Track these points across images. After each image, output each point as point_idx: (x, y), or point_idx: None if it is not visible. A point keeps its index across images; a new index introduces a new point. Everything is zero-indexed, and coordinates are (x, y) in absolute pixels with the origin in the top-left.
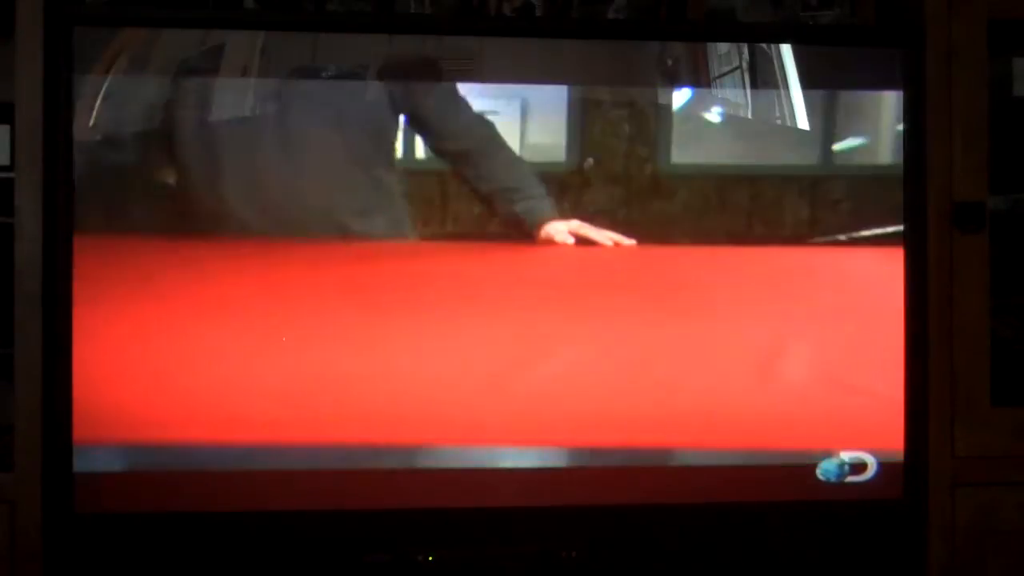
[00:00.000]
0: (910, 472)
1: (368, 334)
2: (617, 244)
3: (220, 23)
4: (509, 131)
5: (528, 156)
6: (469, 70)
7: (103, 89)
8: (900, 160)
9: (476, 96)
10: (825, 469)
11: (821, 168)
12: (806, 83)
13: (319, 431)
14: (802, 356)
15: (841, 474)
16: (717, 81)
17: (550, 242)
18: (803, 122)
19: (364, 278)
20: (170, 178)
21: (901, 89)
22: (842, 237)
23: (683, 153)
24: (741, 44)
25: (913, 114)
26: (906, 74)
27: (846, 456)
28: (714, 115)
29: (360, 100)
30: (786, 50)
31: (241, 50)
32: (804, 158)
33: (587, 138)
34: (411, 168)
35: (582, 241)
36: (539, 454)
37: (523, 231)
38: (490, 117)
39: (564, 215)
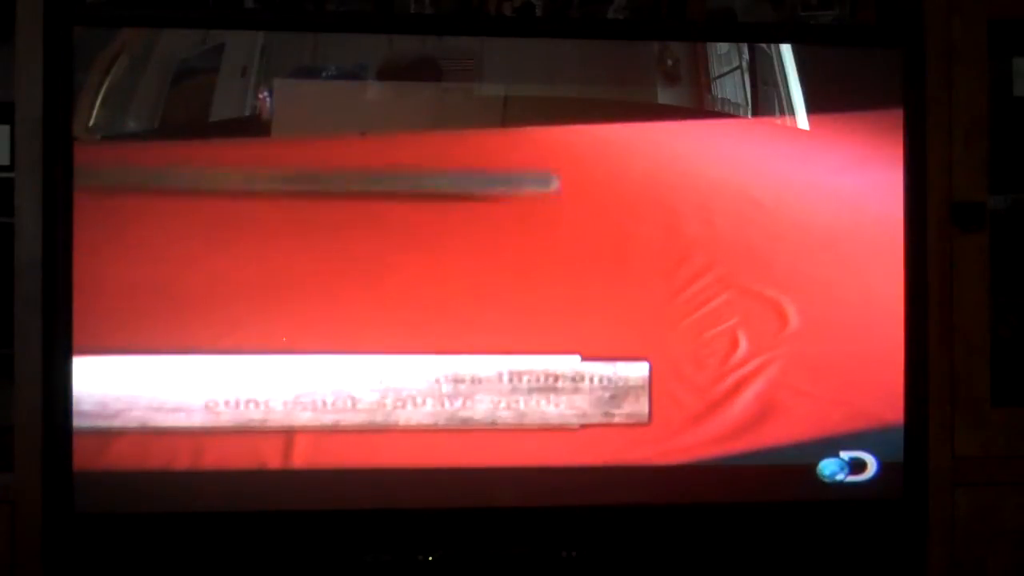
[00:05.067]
0: (910, 472)
1: (368, 334)
2: None
3: (220, 23)
4: None
5: None
6: (469, 70)
7: None
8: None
9: None
10: (825, 469)
11: None
12: (806, 83)
13: (320, 431)
14: (802, 356)
15: (841, 474)
16: (717, 81)
17: None
18: (803, 122)
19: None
20: None
21: (901, 89)
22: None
23: None
24: (741, 44)
25: (913, 114)
26: (906, 74)
27: (846, 456)
28: None
29: None
30: (786, 50)
31: (241, 50)
32: None
33: None
34: None
35: None
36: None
37: None
38: None
39: None
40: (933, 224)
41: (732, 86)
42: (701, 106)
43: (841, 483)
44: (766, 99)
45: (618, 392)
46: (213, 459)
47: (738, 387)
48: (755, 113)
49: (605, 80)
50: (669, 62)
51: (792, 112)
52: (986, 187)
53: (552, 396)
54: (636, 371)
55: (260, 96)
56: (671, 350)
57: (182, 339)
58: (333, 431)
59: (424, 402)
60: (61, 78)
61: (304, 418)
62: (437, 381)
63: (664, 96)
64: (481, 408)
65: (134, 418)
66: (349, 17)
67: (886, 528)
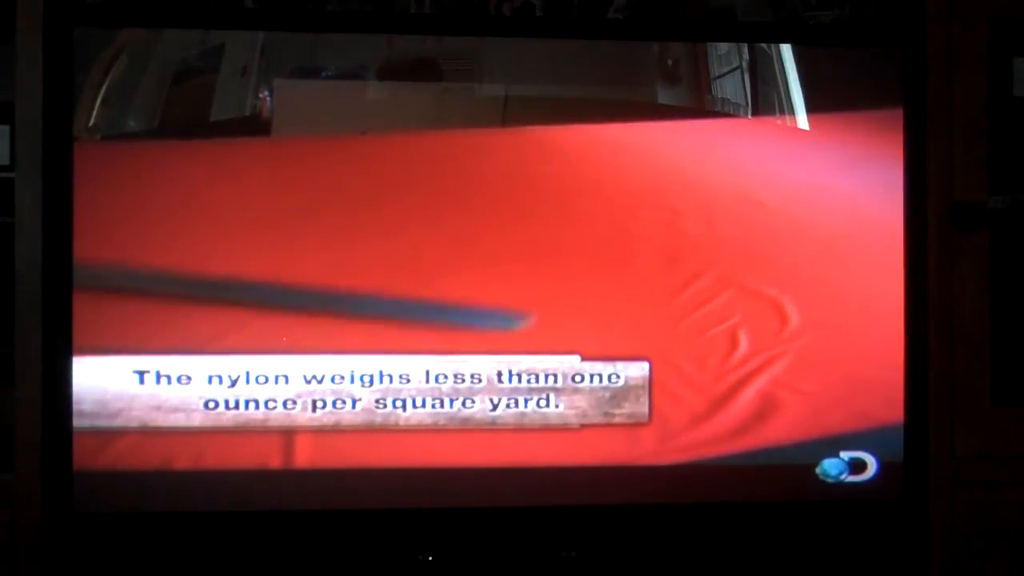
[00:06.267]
0: (910, 472)
1: (368, 334)
2: None
3: (220, 23)
4: None
5: None
6: (469, 70)
7: None
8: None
9: None
10: (825, 469)
11: None
12: (806, 83)
13: (320, 431)
14: (803, 356)
15: (842, 474)
16: (717, 81)
17: None
18: (803, 122)
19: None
20: None
21: (900, 89)
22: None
23: None
24: (741, 44)
25: (913, 114)
26: (905, 73)
27: (846, 456)
28: None
29: None
30: (786, 50)
31: (241, 50)
32: None
33: None
34: None
35: None
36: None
37: None
38: None
39: None
40: (933, 224)
41: (732, 86)
42: (701, 106)
43: (841, 483)
44: (766, 99)
45: (618, 392)
46: (213, 459)
47: (738, 387)
48: (755, 113)
49: (605, 80)
50: (669, 62)
51: (792, 112)
52: (986, 187)
53: (552, 396)
54: (636, 371)
55: (260, 96)
56: (671, 350)
57: (182, 339)
58: (333, 431)
59: (424, 402)
60: (61, 78)
61: (304, 418)
62: (437, 381)
63: (664, 96)
64: (481, 408)
65: (134, 418)
66: (349, 17)
67: (886, 528)
